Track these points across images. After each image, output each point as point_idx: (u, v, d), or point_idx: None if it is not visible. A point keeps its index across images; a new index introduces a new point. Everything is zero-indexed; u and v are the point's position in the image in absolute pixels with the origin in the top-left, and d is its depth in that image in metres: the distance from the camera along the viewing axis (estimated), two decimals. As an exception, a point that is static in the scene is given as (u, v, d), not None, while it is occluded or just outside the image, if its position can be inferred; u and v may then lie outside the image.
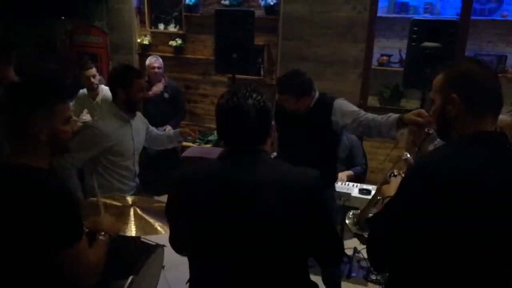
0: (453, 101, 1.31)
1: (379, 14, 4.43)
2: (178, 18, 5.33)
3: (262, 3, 4.87)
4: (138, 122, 2.74)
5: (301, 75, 2.66)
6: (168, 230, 1.62)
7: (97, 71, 4.13)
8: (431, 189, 1.22)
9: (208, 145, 5.11)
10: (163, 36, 5.46)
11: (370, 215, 1.81)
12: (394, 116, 2.37)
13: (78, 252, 1.41)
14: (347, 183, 3.49)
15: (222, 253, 1.40)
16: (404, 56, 3.89)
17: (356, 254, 3.48)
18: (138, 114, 2.73)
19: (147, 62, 4.53)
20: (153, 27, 5.47)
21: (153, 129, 2.96)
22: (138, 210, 2.06)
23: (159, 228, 1.95)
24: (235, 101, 1.37)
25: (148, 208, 2.09)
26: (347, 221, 1.93)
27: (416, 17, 3.94)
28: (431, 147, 2.03)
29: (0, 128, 1.48)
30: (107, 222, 1.73)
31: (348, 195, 3.25)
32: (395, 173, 1.75)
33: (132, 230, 1.92)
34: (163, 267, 2.45)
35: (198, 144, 5.09)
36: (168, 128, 4.42)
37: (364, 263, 3.43)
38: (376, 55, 4.65)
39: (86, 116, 3.87)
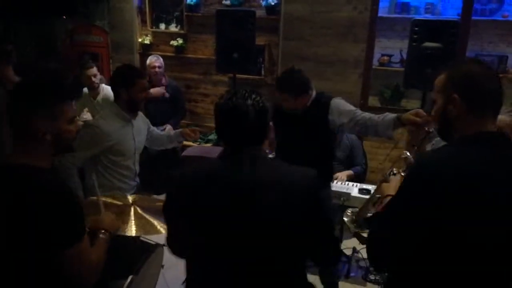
0: (454, 101, 1.32)
1: (380, 14, 4.43)
2: (179, 17, 5.33)
3: (263, 3, 4.88)
4: (140, 121, 2.75)
5: (299, 73, 2.67)
6: (168, 230, 1.63)
7: (98, 70, 4.14)
8: (432, 189, 1.22)
9: (208, 144, 5.11)
10: (164, 36, 5.46)
11: (369, 214, 1.81)
12: (391, 115, 2.37)
13: (80, 251, 1.41)
14: (347, 182, 3.49)
15: (221, 253, 1.41)
16: (405, 56, 3.89)
17: (355, 254, 3.48)
18: (140, 113, 2.74)
19: (148, 61, 4.53)
20: (154, 27, 5.47)
21: (154, 129, 2.96)
22: (138, 209, 2.06)
23: (159, 227, 1.95)
24: (234, 101, 1.38)
25: (149, 207, 2.09)
26: (345, 219, 1.93)
27: (417, 17, 3.94)
28: (428, 147, 2.04)
29: (0, 128, 1.48)
30: (108, 220, 1.73)
31: (348, 194, 3.25)
32: (395, 172, 1.75)
33: (132, 230, 1.92)
34: (162, 266, 2.45)
35: (198, 143, 5.09)
36: (168, 127, 4.42)
37: (363, 263, 3.43)
38: (377, 55, 4.65)
39: (86, 115, 3.87)
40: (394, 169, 1.78)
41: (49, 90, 1.48)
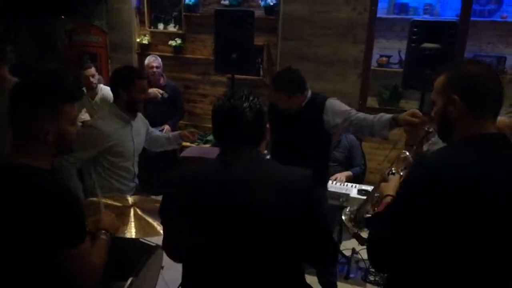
0: (454, 102, 1.32)
1: (379, 15, 4.43)
2: (178, 18, 5.33)
3: (262, 3, 4.87)
4: (139, 122, 2.74)
5: (295, 72, 2.67)
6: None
7: (97, 70, 4.13)
8: (432, 189, 1.22)
9: (207, 145, 5.11)
10: (163, 36, 5.46)
11: (368, 215, 1.81)
12: (387, 116, 2.37)
13: (81, 253, 1.41)
14: (346, 183, 3.49)
15: (220, 253, 1.41)
16: (403, 57, 3.89)
17: (355, 255, 3.48)
18: (139, 114, 2.73)
19: (146, 61, 4.53)
20: (152, 27, 5.47)
21: (153, 130, 2.96)
22: (138, 210, 2.05)
23: (159, 228, 1.94)
24: (232, 103, 1.41)
25: (148, 209, 2.08)
26: (343, 217, 1.93)
27: (416, 18, 3.94)
28: (425, 147, 2.04)
29: (1, 127, 1.48)
30: (108, 219, 1.73)
31: (347, 195, 3.25)
32: (393, 171, 1.75)
33: (132, 231, 1.91)
34: (162, 267, 2.44)
35: (197, 144, 5.09)
36: (167, 127, 4.42)
37: (362, 264, 3.43)
38: (375, 56, 4.65)
39: (84, 116, 3.87)
40: (393, 168, 1.78)
41: (52, 90, 1.48)
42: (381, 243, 1.36)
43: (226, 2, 4.98)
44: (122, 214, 1.99)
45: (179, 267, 1.56)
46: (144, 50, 5.44)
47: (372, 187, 2.06)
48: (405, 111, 2.26)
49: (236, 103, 1.40)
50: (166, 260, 2.40)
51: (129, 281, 1.97)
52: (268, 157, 2.81)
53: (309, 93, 2.71)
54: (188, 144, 4.87)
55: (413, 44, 3.42)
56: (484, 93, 1.30)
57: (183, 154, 4.35)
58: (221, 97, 1.46)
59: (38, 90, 1.46)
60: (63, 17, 5.42)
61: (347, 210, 1.99)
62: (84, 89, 4.02)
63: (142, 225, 1.95)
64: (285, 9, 4.64)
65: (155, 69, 4.46)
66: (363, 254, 3.38)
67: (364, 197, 3.10)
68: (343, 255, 3.46)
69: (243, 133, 1.42)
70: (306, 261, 1.60)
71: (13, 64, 4.46)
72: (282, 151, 2.65)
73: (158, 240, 2.14)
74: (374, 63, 4.64)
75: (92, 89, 4.01)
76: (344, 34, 4.48)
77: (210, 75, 5.34)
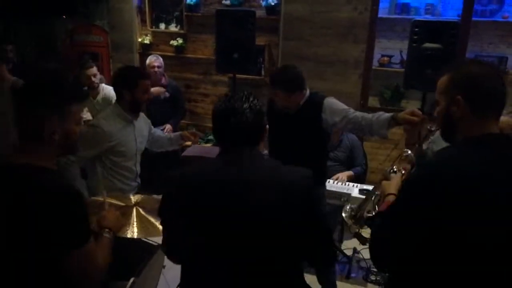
0: (457, 102, 1.32)
1: (380, 15, 4.43)
2: (179, 17, 5.33)
3: (263, 3, 4.87)
4: (141, 122, 2.74)
5: (294, 70, 2.67)
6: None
7: (98, 70, 4.14)
8: (432, 190, 1.22)
9: (208, 145, 5.11)
10: (164, 36, 5.46)
11: (369, 214, 1.81)
12: (385, 115, 2.37)
13: (86, 253, 1.40)
14: (347, 183, 3.49)
15: (220, 253, 1.41)
16: (405, 57, 3.89)
17: (356, 255, 3.48)
18: (142, 114, 2.73)
19: (147, 61, 4.53)
20: (154, 27, 5.47)
21: (155, 130, 2.96)
22: (140, 210, 2.05)
23: (161, 228, 1.93)
24: (232, 103, 1.42)
25: (151, 209, 2.08)
26: (343, 214, 1.92)
27: (417, 18, 3.94)
28: (425, 145, 2.04)
29: (2, 127, 1.48)
30: (112, 217, 1.72)
31: (348, 195, 3.25)
32: (395, 170, 1.75)
33: (134, 232, 1.91)
34: (163, 266, 2.44)
35: (198, 143, 5.09)
36: (168, 127, 4.42)
37: (363, 264, 3.43)
38: (377, 56, 4.65)
39: (86, 115, 3.87)
40: (395, 167, 1.78)
41: (60, 91, 1.48)
42: (382, 242, 1.36)
43: (228, 2, 4.98)
44: (124, 214, 1.99)
45: (180, 266, 1.56)
46: (146, 50, 5.45)
47: (373, 187, 2.06)
48: (405, 110, 2.26)
49: (236, 103, 1.42)
50: (167, 259, 2.41)
51: (130, 281, 1.97)
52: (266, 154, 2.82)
53: (308, 91, 2.71)
54: (189, 143, 4.87)
55: (414, 44, 3.42)
56: (487, 93, 1.30)
57: (185, 153, 4.36)
58: (222, 98, 1.47)
59: (45, 91, 1.46)
60: (64, 16, 5.42)
61: (347, 207, 1.99)
62: (85, 88, 4.03)
63: (144, 225, 1.95)
64: (286, 9, 4.65)
65: (156, 69, 4.46)
66: (364, 253, 3.38)
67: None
68: (344, 255, 3.46)
69: (243, 133, 1.42)
70: (306, 260, 1.60)
71: (14, 63, 4.48)
72: (280, 150, 2.65)
73: (160, 239, 2.14)
74: (375, 63, 4.64)
75: (94, 89, 4.01)
76: (345, 34, 4.48)
77: (211, 75, 5.35)
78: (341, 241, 3.55)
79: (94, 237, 1.51)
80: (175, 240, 1.52)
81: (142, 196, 2.26)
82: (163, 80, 4.55)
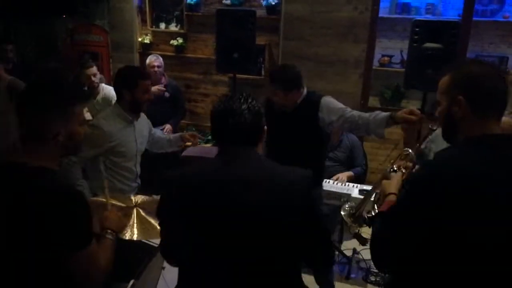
0: (459, 102, 1.32)
1: (380, 15, 4.42)
2: (179, 17, 5.33)
3: (264, 3, 4.87)
4: (142, 123, 2.73)
5: (292, 68, 2.67)
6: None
7: (98, 69, 4.14)
8: (432, 190, 1.22)
9: (208, 145, 5.11)
10: (164, 35, 5.46)
11: (369, 215, 1.80)
12: (383, 114, 2.37)
13: (89, 254, 1.40)
14: (347, 183, 3.48)
15: (219, 253, 1.40)
16: (405, 56, 3.88)
17: (355, 255, 3.47)
18: (142, 115, 2.72)
19: (147, 61, 4.52)
20: (154, 26, 5.47)
21: (156, 131, 2.95)
22: (141, 211, 2.04)
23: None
24: (230, 104, 1.43)
25: (151, 210, 2.06)
26: (342, 213, 1.92)
27: (418, 17, 3.94)
28: (423, 145, 2.03)
29: (2, 127, 1.47)
30: (114, 219, 1.72)
31: (348, 195, 3.25)
32: (395, 169, 1.74)
33: (134, 233, 1.90)
34: (163, 268, 2.44)
35: (198, 144, 5.08)
36: (168, 127, 4.41)
37: (363, 264, 3.42)
38: (377, 56, 4.65)
39: (86, 115, 3.87)
40: (395, 166, 1.77)
41: (64, 92, 1.47)
42: (383, 242, 1.36)
43: (228, 2, 4.98)
44: (125, 215, 1.98)
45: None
46: (146, 50, 5.45)
47: (373, 186, 2.06)
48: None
49: (236, 104, 1.42)
50: (167, 260, 2.41)
51: (130, 283, 1.96)
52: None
53: (305, 90, 2.70)
54: (189, 144, 4.87)
55: (415, 44, 3.42)
56: (487, 93, 1.30)
57: (185, 153, 4.35)
58: (220, 98, 1.48)
59: (49, 92, 1.45)
60: (64, 16, 5.42)
61: (346, 206, 1.99)
62: (86, 88, 4.02)
63: (144, 227, 1.94)
64: (287, 9, 4.64)
65: (156, 69, 4.45)
66: (364, 254, 3.37)
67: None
68: (344, 255, 3.45)
69: (241, 134, 1.43)
70: (305, 261, 1.60)
71: (14, 63, 4.48)
72: (277, 149, 2.63)
73: (159, 241, 2.14)
74: (376, 63, 4.64)
75: (94, 89, 4.01)
76: (345, 34, 4.48)
77: (211, 75, 5.34)
78: (340, 242, 3.54)
79: (96, 238, 1.50)
80: (174, 240, 1.52)
81: (143, 197, 2.25)
82: (163, 80, 4.54)
